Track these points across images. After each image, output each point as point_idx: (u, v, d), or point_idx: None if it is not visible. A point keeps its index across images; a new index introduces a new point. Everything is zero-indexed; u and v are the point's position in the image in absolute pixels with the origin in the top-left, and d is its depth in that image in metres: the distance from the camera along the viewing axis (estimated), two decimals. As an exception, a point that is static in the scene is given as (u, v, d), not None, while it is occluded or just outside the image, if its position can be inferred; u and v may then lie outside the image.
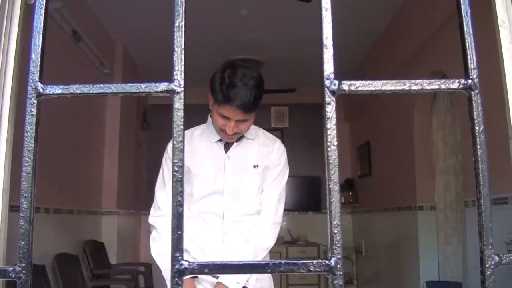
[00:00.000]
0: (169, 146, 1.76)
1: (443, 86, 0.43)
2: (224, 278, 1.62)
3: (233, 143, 1.73)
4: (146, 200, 6.45)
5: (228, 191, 1.69)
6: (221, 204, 1.68)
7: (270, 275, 1.82)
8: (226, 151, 1.72)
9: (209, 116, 1.76)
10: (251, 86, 1.54)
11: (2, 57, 0.93)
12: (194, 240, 1.67)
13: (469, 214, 3.18)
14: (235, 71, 1.57)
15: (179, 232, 0.39)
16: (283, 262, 0.40)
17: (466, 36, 0.43)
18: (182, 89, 0.42)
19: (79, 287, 3.71)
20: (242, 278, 1.63)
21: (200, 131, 1.77)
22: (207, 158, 1.71)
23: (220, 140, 1.72)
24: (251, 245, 1.69)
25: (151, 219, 1.75)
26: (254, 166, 1.73)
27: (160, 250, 1.68)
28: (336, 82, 0.42)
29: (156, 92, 0.42)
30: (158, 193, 1.75)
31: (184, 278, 1.51)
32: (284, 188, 1.80)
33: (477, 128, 0.42)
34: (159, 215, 1.72)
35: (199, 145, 1.72)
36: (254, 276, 1.67)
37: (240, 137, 1.72)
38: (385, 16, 4.46)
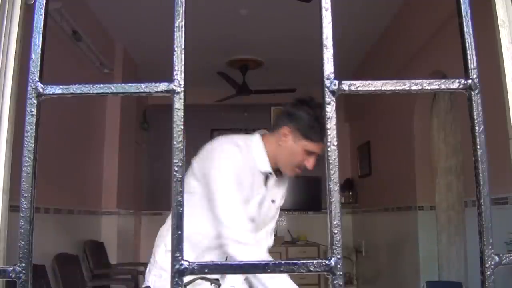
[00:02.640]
0: (235, 166, 1.56)
1: (443, 86, 0.43)
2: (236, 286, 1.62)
3: (268, 176, 1.68)
4: (146, 200, 6.47)
5: (260, 224, 1.70)
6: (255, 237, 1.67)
7: None
8: (265, 184, 1.68)
9: (258, 140, 1.65)
10: None
11: (2, 57, 0.93)
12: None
13: (469, 214, 3.18)
14: (320, 109, 1.55)
15: (179, 232, 0.39)
16: (283, 262, 0.40)
17: (466, 36, 0.43)
18: (182, 89, 0.42)
19: (79, 287, 3.71)
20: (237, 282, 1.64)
21: (245, 152, 1.60)
22: (253, 189, 1.62)
23: (269, 172, 1.67)
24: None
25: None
26: (273, 201, 1.73)
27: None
28: (336, 82, 0.42)
29: (156, 92, 0.42)
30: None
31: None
32: None
33: (477, 128, 0.42)
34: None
35: (249, 170, 1.60)
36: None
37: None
38: (385, 16, 4.45)
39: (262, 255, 1.60)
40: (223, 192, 1.54)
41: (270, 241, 1.80)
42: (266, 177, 1.67)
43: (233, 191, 1.54)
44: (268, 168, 1.64)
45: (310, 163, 1.59)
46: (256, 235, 1.67)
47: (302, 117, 1.57)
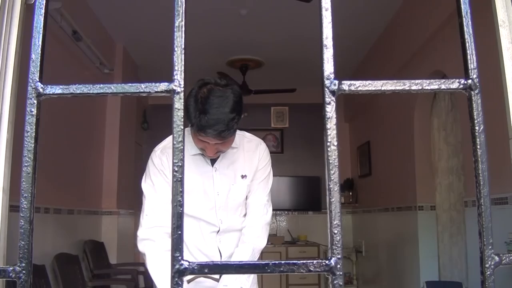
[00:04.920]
0: (154, 164, 1.66)
1: (443, 86, 0.43)
2: (228, 285, 1.60)
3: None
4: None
5: (220, 204, 1.67)
6: (215, 218, 1.67)
7: (256, 281, 1.82)
8: (212, 163, 1.67)
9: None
10: (227, 110, 1.45)
11: (2, 57, 0.93)
12: (189, 246, 1.67)
13: (469, 214, 3.18)
14: (210, 93, 1.46)
15: (179, 232, 0.39)
16: (283, 262, 0.40)
17: (466, 36, 0.43)
18: (182, 89, 0.42)
19: (79, 287, 3.71)
20: (245, 282, 1.61)
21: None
22: (194, 172, 1.63)
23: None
24: (249, 246, 1.68)
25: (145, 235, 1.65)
26: (242, 177, 1.69)
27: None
28: (336, 82, 0.42)
29: (156, 92, 0.42)
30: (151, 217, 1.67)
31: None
32: (266, 191, 1.77)
33: (477, 128, 0.42)
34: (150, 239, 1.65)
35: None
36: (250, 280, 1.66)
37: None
38: (385, 16, 4.46)
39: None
40: None
41: (267, 217, 1.75)
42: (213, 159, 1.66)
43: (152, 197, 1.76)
44: (197, 149, 1.62)
45: (208, 151, 1.54)
46: (230, 214, 1.68)
47: (187, 103, 1.48)
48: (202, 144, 1.53)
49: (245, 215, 1.75)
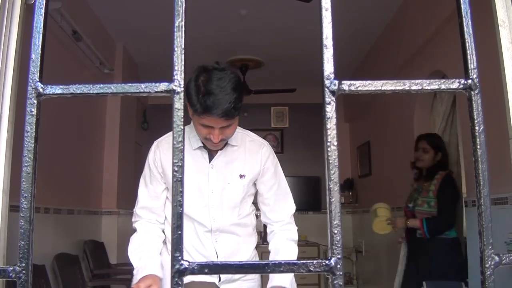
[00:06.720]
0: (150, 160, 1.74)
1: (443, 86, 0.43)
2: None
3: (217, 150, 1.65)
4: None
5: (214, 202, 1.65)
6: (208, 216, 1.66)
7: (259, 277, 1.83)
8: (209, 160, 1.66)
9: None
10: (229, 90, 1.47)
11: (2, 57, 0.93)
12: (185, 246, 1.66)
13: (469, 214, 3.18)
14: (210, 77, 1.48)
15: (179, 232, 0.39)
16: (283, 262, 0.40)
17: (466, 36, 0.43)
18: (182, 89, 0.42)
19: (79, 287, 3.71)
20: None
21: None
22: (191, 168, 1.63)
23: (202, 146, 1.65)
24: (293, 244, 1.76)
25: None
26: (241, 176, 1.67)
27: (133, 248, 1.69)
28: (336, 82, 0.42)
29: (156, 92, 0.42)
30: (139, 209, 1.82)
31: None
32: (283, 185, 1.84)
33: (477, 128, 0.42)
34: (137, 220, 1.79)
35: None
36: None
37: (224, 144, 1.65)
38: (385, 16, 4.46)
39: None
40: None
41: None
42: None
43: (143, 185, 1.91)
44: (197, 143, 1.64)
45: (213, 136, 1.52)
46: (224, 214, 1.68)
47: (188, 89, 1.48)
48: (207, 130, 1.51)
49: (244, 216, 1.72)
